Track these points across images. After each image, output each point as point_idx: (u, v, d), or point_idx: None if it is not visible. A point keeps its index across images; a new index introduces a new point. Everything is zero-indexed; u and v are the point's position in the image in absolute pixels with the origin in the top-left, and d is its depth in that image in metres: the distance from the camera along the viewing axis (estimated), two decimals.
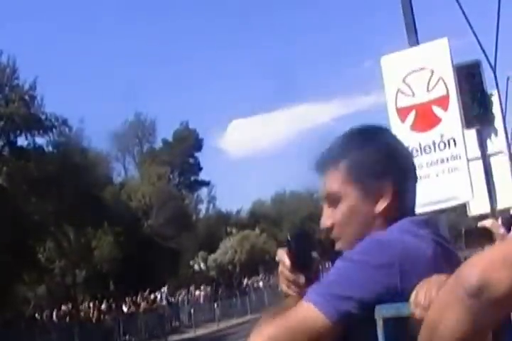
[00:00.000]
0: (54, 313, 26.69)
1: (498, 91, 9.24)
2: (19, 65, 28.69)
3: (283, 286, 1.54)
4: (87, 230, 32.05)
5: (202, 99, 77.48)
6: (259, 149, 75.91)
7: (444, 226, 5.60)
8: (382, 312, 1.30)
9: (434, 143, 5.57)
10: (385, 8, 56.10)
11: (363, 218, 1.50)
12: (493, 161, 7.47)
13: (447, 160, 5.53)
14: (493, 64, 12.11)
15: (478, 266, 1.01)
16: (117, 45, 72.97)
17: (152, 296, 30.89)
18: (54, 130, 29.13)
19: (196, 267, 45.16)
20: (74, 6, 73.28)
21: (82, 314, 28.27)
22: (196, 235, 44.17)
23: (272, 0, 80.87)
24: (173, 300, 32.14)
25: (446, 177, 5.52)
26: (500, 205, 7.21)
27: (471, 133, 7.14)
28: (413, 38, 6.27)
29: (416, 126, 5.65)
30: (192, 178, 54.48)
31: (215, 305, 30.80)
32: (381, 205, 1.49)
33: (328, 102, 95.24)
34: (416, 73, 5.67)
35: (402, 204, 1.51)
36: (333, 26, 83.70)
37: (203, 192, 55.03)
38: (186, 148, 51.95)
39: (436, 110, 5.59)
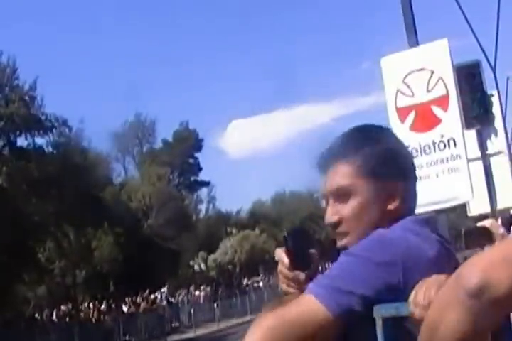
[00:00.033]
0: (54, 313, 26.74)
1: (498, 92, 9.22)
2: (19, 65, 28.71)
3: (283, 286, 1.52)
4: (87, 230, 32.04)
5: (202, 99, 77.50)
6: (259, 149, 76.05)
7: (444, 227, 5.59)
8: (381, 312, 1.29)
9: (434, 144, 5.56)
10: (384, 9, 56.32)
11: (374, 215, 1.49)
12: (493, 161, 7.46)
13: (447, 160, 5.53)
14: (493, 64, 12.12)
15: (478, 266, 1.01)
16: (117, 46, 73.10)
17: (152, 296, 30.90)
18: (54, 130, 29.10)
19: (196, 267, 45.13)
20: (74, 6, 73.54)
21: (82, 314, 28.28)
22: (196, 235, 44.16)
23: (271, 0, 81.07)
24: (173, 300, 32.13)
25: (446, 178, 5.51)
26: (500, 205, 7.20)
27: (471, 134, 7.13)
28: (413, 38, 6.26)
29: (416, 127, 5.65)
30: (192, 178, 54.45)
31: (215, 305, 30.76)
32: (394, 204, 1.49)
33: (328, 102, 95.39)
34: (416, 73, 5.66)
35: (406, 204, 1.52)
36: (333, 27, 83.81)
37: (203, 192, 55.13)
38: (186, 148, 51.91)
39: (436, 110, 5.58)
